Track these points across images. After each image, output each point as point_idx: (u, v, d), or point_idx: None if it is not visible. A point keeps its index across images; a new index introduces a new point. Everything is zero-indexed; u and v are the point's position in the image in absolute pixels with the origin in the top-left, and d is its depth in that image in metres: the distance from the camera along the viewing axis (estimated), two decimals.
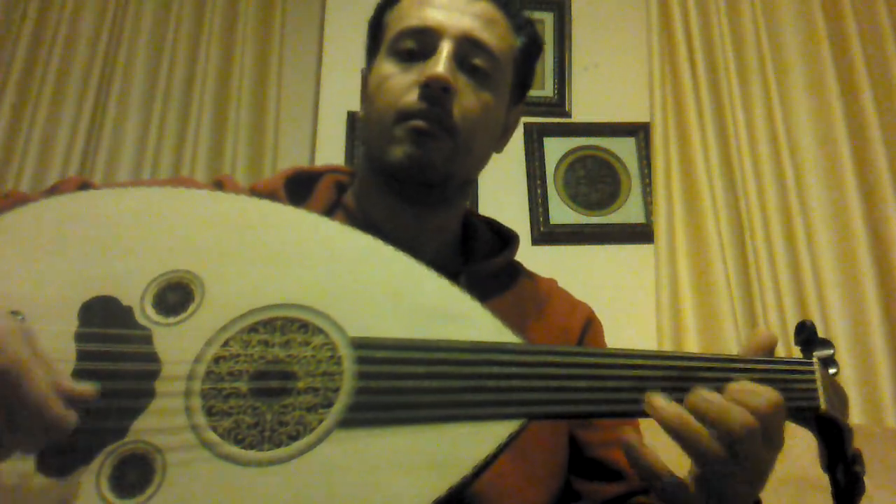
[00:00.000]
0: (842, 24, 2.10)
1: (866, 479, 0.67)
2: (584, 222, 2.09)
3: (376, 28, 0.88)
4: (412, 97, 0.77)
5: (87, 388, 0.52)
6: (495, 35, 0.82)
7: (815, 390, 0.64)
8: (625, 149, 2.17)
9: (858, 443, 0.67)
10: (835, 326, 1.88)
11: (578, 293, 0.98)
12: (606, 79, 2.23)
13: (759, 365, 0.63)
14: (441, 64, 0.77)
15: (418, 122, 0.77)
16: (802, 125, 2.06)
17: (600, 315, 0.96)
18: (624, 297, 2.01)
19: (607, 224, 2.09)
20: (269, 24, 2.24)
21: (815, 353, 0.68)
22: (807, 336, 0.70)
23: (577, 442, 0.86)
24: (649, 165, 2.11)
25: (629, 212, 2.11)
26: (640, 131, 2.17)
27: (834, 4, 2.13)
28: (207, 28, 2.18)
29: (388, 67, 0.81)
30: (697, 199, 2.02)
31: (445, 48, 0.78)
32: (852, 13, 2.09)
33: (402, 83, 0.79)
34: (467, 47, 0.80)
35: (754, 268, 1.93)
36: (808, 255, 1.92)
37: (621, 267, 2.05)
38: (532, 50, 0.89)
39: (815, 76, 2.09)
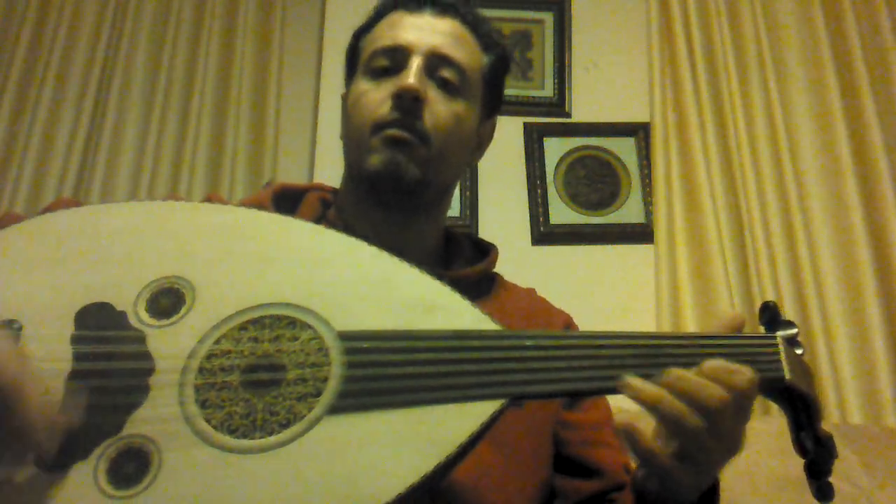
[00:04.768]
0: (842, 24, 2.10)
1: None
2: (584, 222, 2.09)
3: (353, 54, 0.95)
4: (386, 108, 0.84)
5: (72, 419, 0.54)
6: (463, 51, 0.89)
7: (780, 361, 0.68)
8: (625, 149, 2.17)
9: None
10: (835, 326, 1.88)
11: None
12: (606, 79, 2.23)
13: (725, 341, 0.67)
14: (411, 76, 0.83)
15: (393, 131, 0.83)
16: (802, 125, 2.07)
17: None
18: (624, 298, 2.01)
19: (607, 224, 2.09)
20: (269, 25, 2.24)
21: (778, 332, 0.72)
22: (770, 316, 0.75)
23: (558, 440, 0.89)
24: (649, 165, 2.11)
25: (629, 212, 2.11)
26: (640, 131, 2.17)
27: (834, 4, 2.13)
28: (207, 28, 2.18)
29: (363, 85, 0.88)
30: (697, 199, 2.02)
31: (415, 62, 0.85)
32: (852, 13, 2.10)
33: (376, 97, 0.85)
34: (436, 61, 0.86)
35: (754, 268, 1.92)
36: (808, 255, 1.92)
37: (621, 267, 2.05)
38: (500, 67, 0.95)
39: (815, 76, 2.09)
